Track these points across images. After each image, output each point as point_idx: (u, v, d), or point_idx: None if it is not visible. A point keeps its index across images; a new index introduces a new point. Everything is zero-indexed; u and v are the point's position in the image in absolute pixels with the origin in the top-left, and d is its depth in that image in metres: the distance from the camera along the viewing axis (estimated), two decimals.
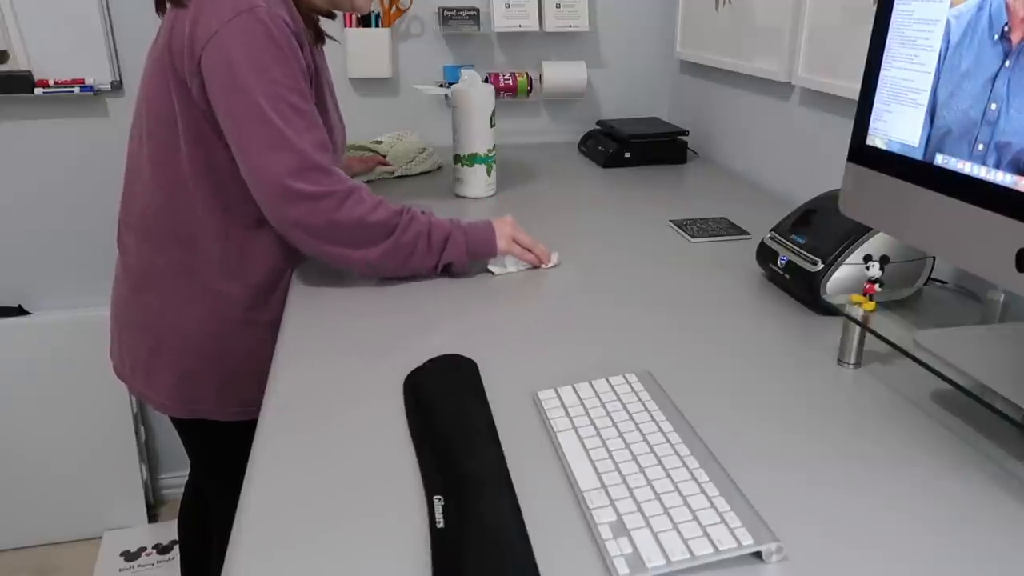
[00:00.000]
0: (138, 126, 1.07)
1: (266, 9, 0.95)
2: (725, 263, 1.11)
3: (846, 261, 0.90)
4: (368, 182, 1.55)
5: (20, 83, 1.66)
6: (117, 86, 1.75)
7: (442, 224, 1.03)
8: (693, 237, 1.21)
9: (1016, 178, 0.61)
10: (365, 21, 1.76)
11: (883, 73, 0.75)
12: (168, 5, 1.01)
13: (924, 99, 0.70)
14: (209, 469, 1.28)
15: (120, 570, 1.86)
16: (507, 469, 0.63)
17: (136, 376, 1.14)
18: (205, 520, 1.38)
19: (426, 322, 0.92)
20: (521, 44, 1.91)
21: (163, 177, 1.04)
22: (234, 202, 1.04)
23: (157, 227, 1.07)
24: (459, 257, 1.04)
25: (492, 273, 1.07)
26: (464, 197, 1.44)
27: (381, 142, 1.65)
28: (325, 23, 1.19)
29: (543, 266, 1.09)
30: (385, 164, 1.59)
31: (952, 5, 0.67)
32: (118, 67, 1.75)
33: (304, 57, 1.00)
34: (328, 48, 1.23)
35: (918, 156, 0.71)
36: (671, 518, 0.56)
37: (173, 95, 1.00)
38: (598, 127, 1.85)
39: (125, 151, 1.12)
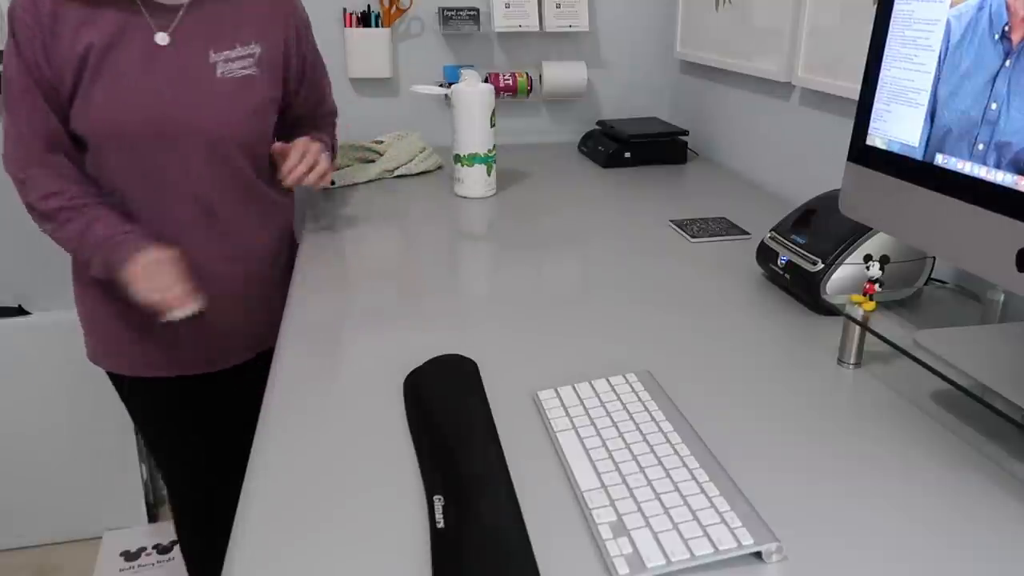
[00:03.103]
0: None
1: None
2: (725, 263, 1.11)
3: (846, 261, 0.90)
4: (368, 182, 1.55)
5: None
6: None
7: (93, 243, 1.05)
8: (693, 237, 1.21)
9: (1016, 178, 0.61)
10: (365, 21, 1.76)
11: (883, 73, 0.75)
12: None
13: (924, 99, 0.70)
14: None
15: (120, 570, 1.86)
16: (507, 469, 0.63)
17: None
18: (208, 513, 1.38)
19: (426, 322, 0.92)
20: (521, 44, 1.91)
21: None
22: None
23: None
24: (100, 272, 1.07)
25: None
26: (464, 197, 1.44)
27: (381, 142, 1.65)
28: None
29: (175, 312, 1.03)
30: (370, 161, 1.59)
31: (952, 5, 0.67)
32: None
33: (47, 39, 0.98)
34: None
35: (918, 156, 0.71)
36: (671, 518, 0.56)
37: None
38: (598, 127, 1.84)
39: None
